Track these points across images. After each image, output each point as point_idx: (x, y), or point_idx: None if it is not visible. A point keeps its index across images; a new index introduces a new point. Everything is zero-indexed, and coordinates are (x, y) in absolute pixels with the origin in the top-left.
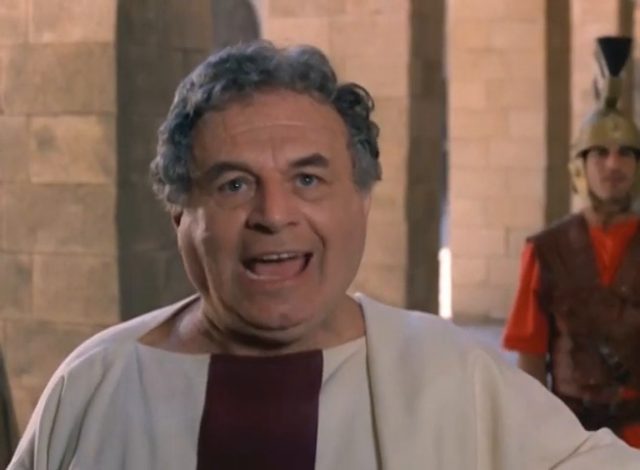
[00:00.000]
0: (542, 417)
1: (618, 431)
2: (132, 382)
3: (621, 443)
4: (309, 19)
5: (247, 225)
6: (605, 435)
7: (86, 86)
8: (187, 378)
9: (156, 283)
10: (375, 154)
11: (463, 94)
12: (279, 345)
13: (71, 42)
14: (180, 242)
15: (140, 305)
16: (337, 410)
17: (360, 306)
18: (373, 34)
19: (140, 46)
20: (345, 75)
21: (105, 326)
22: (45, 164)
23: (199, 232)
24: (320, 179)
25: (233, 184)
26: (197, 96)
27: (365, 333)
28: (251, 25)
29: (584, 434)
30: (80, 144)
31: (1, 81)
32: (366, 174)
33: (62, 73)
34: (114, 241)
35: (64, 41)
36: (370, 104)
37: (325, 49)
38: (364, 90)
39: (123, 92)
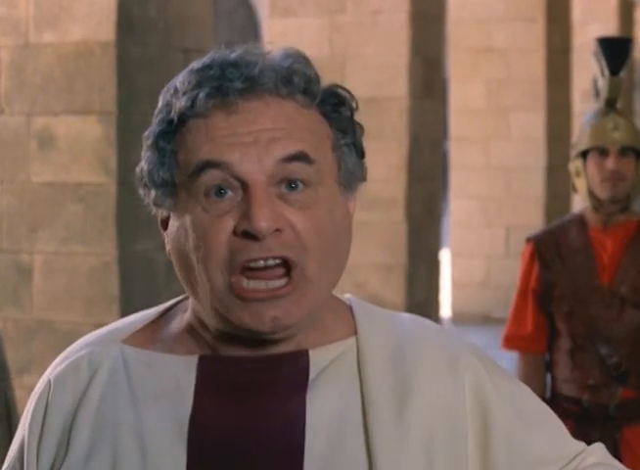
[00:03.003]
0: (531, 424)
1: (618, 431)
2: (120, 384)
3: (612, 460)
4: (310, 19)
5: (234, 233)
6: (596, 451)
7: (86, 86)
8: (175, 379)
9: (156, 283)
10: (361, 154)
11: (463, 94)
12: (267, 343)
13: (72, 42)
14: (169, 246)
15: (140, 305)
16: (325, 409)
17: (350, 308)
18: (373, 34)
19: (140, 46)
20: (346, 75)
21: (105, 326)
22: (45, 164)
23: (189, 240)
24: (305, 184)
25: (219, 190)
26: (181, 103)
27: (355, 333)
28: (251, 26)
29: (574, 444)
30: (81, 144)
31: (1, 81)
32: (352, 176)
33: (62, 73)
34: (115, 241)
35: (64, 41)
36: (354, 105)
37: (325, 49)
38: (348, 91)
39: (124, 92)
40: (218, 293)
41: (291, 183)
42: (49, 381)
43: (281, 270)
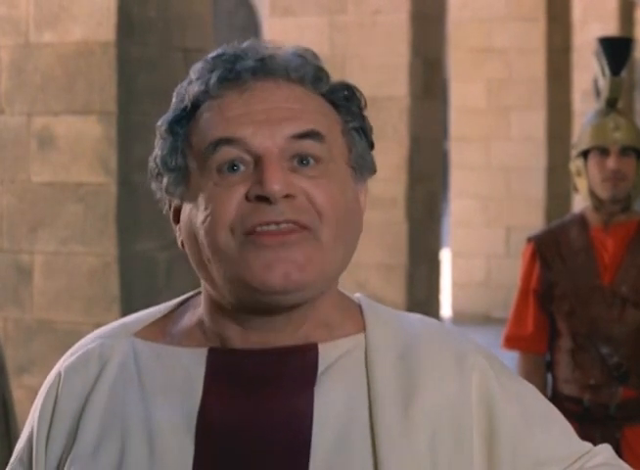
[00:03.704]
0: (536, 424)
1: (618, 431)
2: (130, 376)
3: (618, 461)
4: (310, 18)
5: (246, 199)
6: (602, 452)
7: (87, 86)
8: (184, 371)
9: (156, 283)
10: (370, 144)
11: (464, 94)
12: (277, 329)
13: (72, 42)
14: (182, 234)
15: (140, 305)
16: (332, 404)
17: (359, 306)
18: (374, 34)
19: (141, 46)
20: (346, 75)
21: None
22: (46, 164)
23: (199, 214)
24: (317, 160)
25: (232, 167)
26: (194, 88)
27: (364, 330)
28: (251, 25)
29: (580, 444)
30: (81, 143)
31: (2, 81)
32: (362, 160)
33: (62, 73)
34: (115, 240)
35: (64, 41)
36: (363, 101)
37: (326, 49)
38: (357, 88)
39: (124, 92)
40: (230, 256)
41: (302, 159)
42: (59, 372)
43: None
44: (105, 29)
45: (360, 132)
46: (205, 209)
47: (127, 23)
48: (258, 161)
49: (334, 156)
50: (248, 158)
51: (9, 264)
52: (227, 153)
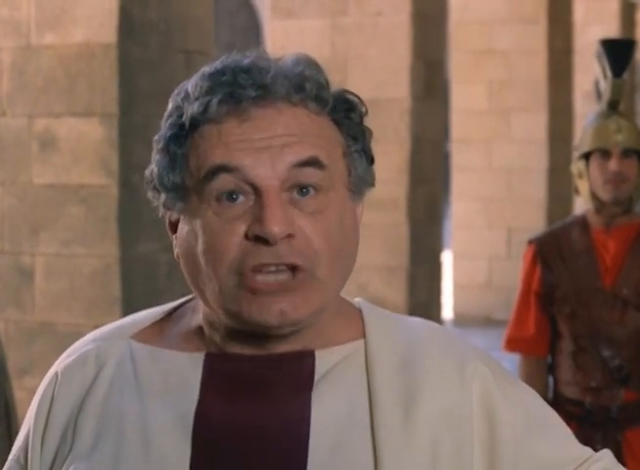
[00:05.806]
0: (538, 430)
1: (620, 433)
2: (126, 378)
3: (619, 468)
4: (311, 20)
5: (246, 237)
6: (603, 458)
7: (88, 87)
8: (181, 375)
9: (157, 285)
10: (370, 161)
11: (465, 95)
12: (274, 342)
13: (73, 43)
14: (178, 250)
15: (142, 307)
16: (331, 408)
17: (360, 311)
18: (375, 36)
19: (142, 47)
20: (347, 77)
21: None
22: (47, 166)
23: (198, 243)
24: (317, 189)
25: (231, 195)
26: (193, 108)
27: (364, 336)
28: (252, 27)
29: (581, 450)
30: (82, 145)
31: (3, 83)
32: (361, 182)
33: (64, 75)
34: (116, 242)
35: (66, 42)
36: (364, 110)
37: (327, 51)
38: (357, 96)
39: (125, 93)
40: (227, 291)
41: (302, 188)
42: (56, 373)
43: (291, 273)
44: (106, 31)
45: (361, 153)
46: (206, 241)
47: (128, 25)
48: (258, 193)
49: (334, 182)
50: (247, 188)
51: (10, 266)
52: (226, 181)
